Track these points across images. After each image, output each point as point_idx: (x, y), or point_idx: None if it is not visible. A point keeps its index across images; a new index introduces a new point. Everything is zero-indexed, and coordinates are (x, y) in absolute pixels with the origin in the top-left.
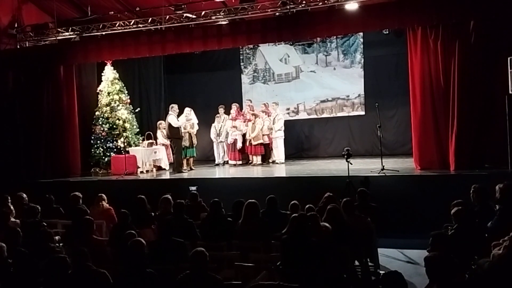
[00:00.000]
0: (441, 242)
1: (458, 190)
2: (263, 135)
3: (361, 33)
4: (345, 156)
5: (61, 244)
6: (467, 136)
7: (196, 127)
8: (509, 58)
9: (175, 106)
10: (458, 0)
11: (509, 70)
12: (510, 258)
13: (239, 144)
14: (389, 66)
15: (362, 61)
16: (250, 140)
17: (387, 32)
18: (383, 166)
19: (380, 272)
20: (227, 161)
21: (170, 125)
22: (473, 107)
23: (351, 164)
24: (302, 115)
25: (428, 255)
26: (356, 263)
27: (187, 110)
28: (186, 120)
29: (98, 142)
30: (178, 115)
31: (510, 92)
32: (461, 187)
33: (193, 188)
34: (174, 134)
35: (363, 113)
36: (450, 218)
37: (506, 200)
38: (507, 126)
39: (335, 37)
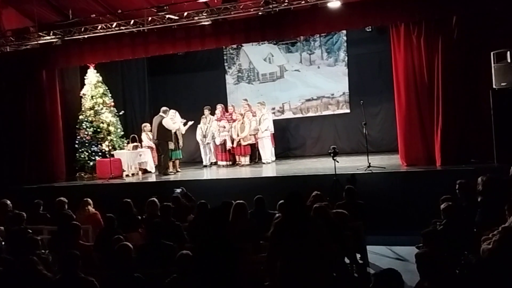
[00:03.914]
0: (433, 239)
1: (444, 185)
2: (250, 135)
3: (345, 31)
4: (332, 154)
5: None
6: (452, 131)
7: (184, 128)
8: (492, 53)
9: (168, 109)
10: None
11: (492, 65)
12: (500, 253)
13: (229, 144)
14: (373, 64)
15: (346, 59)
16: (239, 141)
17: (370, 30)
18: (370, 163)
19: (370, 269)
20: (215, 162)
21: (162, 127)
22: (458, 102)
23: (338, 162)
24: (288, 115)
25: (419, 252)
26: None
27: (172, 112)
28: (173, 123)
29: (83, 146)
30: None
31: (494, 86)
32: (448, 183)
33: (178, 190)
34: (164, 136)
35: (348, 111)
36: (438, 214)
37: (487, 191)
38: (492, 120)
39: (318, 35)
